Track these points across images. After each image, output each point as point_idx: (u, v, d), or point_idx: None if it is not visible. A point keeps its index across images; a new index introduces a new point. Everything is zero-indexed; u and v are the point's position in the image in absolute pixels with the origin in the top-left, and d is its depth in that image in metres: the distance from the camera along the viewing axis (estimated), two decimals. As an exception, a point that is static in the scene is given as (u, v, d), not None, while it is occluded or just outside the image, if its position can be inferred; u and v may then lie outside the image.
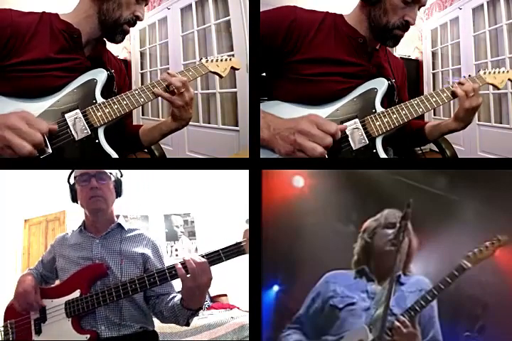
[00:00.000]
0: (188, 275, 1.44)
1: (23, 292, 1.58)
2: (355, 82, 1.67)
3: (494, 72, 1.72)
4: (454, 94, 1.64)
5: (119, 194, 1.72)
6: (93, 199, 1.64)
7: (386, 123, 1.62)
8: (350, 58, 1.67)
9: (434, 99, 1.65)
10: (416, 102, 1.65)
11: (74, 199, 1.71)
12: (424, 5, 1.66)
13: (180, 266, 1.45)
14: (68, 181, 1.70)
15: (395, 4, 1.61)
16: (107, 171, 1.67)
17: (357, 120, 1.63)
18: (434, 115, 3.43)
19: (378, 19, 1.64)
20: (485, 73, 1.71)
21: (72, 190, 1.70)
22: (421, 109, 1.64)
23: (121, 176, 1.73)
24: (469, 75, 1.72)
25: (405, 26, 1.65)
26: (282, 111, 1.64)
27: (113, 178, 1.69)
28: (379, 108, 1.64)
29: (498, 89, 1.75)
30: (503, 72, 1.71)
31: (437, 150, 1.95)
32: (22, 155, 1.43)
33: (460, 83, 1.66)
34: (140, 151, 1.90)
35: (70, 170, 1.70)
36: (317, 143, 1.53)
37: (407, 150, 1.91)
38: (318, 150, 1.52)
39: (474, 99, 1.62)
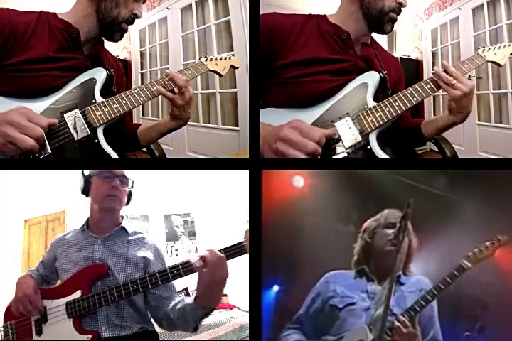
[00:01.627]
0: (205, 270, 1.40)
1: (23, 296, 1.57)
2: (345, 78, 1.65)
3: (494, 48, 1.62)
4: (438, 86, 1.58)
5: (127, 203, 1.71)
6: (110, 197, 1.63)
7: (379, 117, 1.59)
8: (335, 55, 1.66)
9: (428, 86, 1.59)
10: (409, 92, 1.59)
11: (85, 191, 1.67)
12: None
13: (198, 258, 1.41)
14: (82, 172, 1.68)
15: None
16: (129, 178, 1.67)
17: (348, 118, 1.61)
18: (434, 111, 3.43)
19: (373, 4, 1.64)
20: (484, 51, 1.63)
21: (87, 181, 1.66)
22: (415, 98, 1.58)
23: (132, 187, 1.71)
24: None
25: (399, 9, 1.66)
26: (275, 118, 1.63)
27: (129, 187, 1.68)
28: (371, 103, 1.62)
29: (500, 66, 1.64)
30: (504, 46, 1.61)
31: (437, 150, 1.94)
32: (24, 149, 1.45)
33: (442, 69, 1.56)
34: (138, 150, 1.90)
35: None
36: (300, 150, 1.49)
37: (405, 150, 1.90)
38: (301, 157, 1.50)
39: (460, 86, 1.52)
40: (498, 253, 1.55)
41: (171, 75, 1.62)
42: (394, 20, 1.68)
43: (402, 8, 1.67)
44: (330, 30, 1.68)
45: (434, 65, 3.64)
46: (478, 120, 3.10)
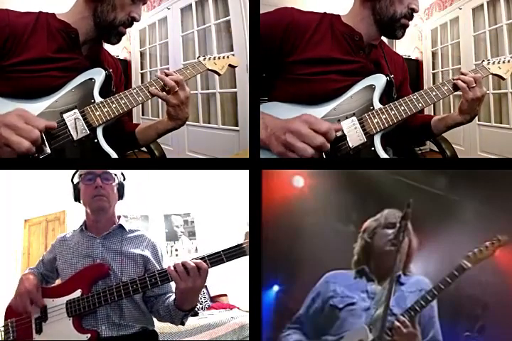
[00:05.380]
0: (182, 279, 1.44)
1: (25, 291, 1.57)
2: (353, 79, 1.67)
3: (498, 62, 1.67)
4: (455, 87, 1.63)
5: (121, 196, 1.71)
6: (97, 198, 1.64)
7: (384, 120, 1.61)
8: (346, 56, 1.67)
9: (434, 93, 1.63)
10: (415, 97, 1.63)
11: (76, 198, 1.70)
12: None
13: (172, 268, 1.45)
14: (72, 180, 1.70)
15: None
16: (112, 172, 1.67)
17: (354, 118, 1.62)
18: (434, 113, 3.43)
19: (385, 11, 1.64)
20: (488, 63, 1.68)
21: (76, 189, 1.69)
22: (420, 104, 1.62)
23: (124, 180, 1.73)
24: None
25: (411, 15, 1.67)
26: (281, 112, 1.64)
27: (117, 180, 1.69)
28: (377, 105, 1.63)
29: (503, 79, 1.70)
30: (508, 61, 1.67)
31: (437, 150, 1.94)
32: (20, 152, 1.43)
33: (462, 74, 1.64)
34: (136, 150, 1.90)
35: (74, 170, 1.69)
36: (307, 143, 1.52)
37: (409, 147, 1.90)
38: (309, 151, 1.52)
39: (477, 90, 1.61)
40: (498, 253, 1.56)
41: (160, 77, 1.62)
42: (406, 26, 1.69)
43: (414, 14, 1.68)
44: (343, 30, 1.68)
45: (434, 64, 3.65)
46: (478, 120, 3.10)
